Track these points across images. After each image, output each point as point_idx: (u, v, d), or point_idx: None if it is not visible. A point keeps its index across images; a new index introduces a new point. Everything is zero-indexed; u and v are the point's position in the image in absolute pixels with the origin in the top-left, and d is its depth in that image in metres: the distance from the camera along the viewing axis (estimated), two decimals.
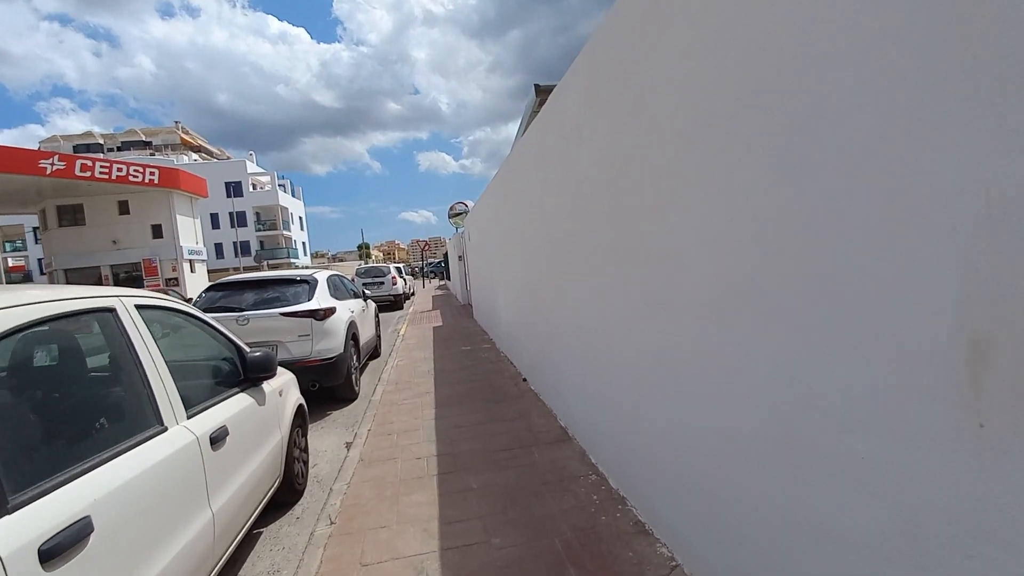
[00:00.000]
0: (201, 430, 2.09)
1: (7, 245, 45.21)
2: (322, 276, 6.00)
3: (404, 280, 20.30)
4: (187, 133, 73.87)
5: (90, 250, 26.75)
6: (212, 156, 70.98)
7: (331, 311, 5.44)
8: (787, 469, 1.53)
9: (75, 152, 50.03)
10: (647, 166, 2.22)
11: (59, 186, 24.53)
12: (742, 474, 1.76)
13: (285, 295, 5.39)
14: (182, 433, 1.97)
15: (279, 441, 3.00)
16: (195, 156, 61.03)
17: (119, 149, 65.33)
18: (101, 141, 69.17)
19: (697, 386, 2.00)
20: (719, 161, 1.70)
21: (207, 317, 2.69)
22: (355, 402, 5.72)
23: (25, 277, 49.71)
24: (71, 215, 26.92)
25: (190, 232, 28.98)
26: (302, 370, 5.06)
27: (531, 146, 4.41)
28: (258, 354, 2.79)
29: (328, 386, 5.34)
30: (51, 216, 26.85)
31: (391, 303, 17.20)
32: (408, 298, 22.02)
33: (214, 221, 49.51)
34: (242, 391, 2.67)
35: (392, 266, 17.79)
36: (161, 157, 54.44)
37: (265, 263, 50.71)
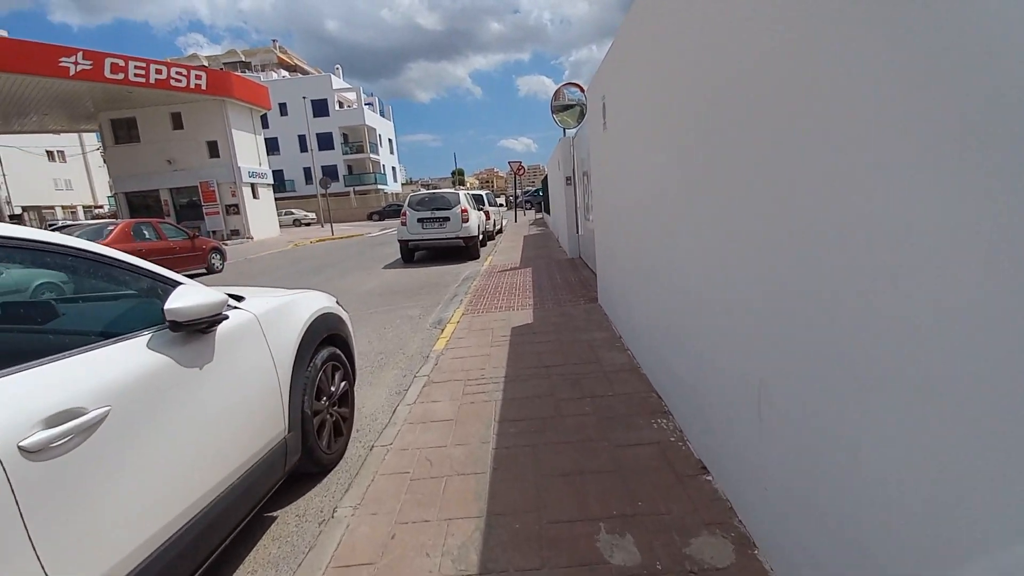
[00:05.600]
0: None
1: None
2: None
3: (484, 213, 14.30)
4: (284, 53, 71.67)
5: (147, 171, 23.76)
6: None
7: None
8: None
9: None
10: None
11: (110, 95, 21.23)
12: None
13: None
14: None
15: None
16: (285, 74, 58.06)
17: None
18: (206, 63, 69.07)
19: None
20: None
21: None
22: None
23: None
24: (125, 130, 23.87)
25: (251, 150, 25.03)
26: None
27: None
28: None
29: None
30: (107, 132, 24.00)
31: (461, 249, 11.38)
32: (492, 238, 16.15)
33: (302, 143, 46.52)
34: None
35: (463, 193, 11.79)
36: (251, 74, 51.85)
37: (352, 191, 47.46)
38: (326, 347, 2.78)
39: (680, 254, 2.43)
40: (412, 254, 11.60)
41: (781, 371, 1.51)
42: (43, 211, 29.17)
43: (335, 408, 2.83)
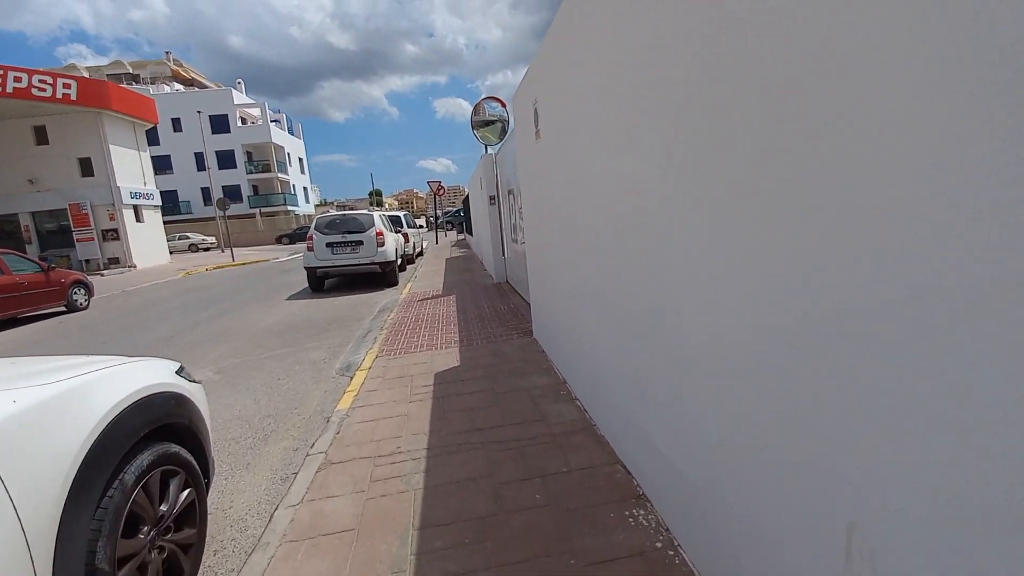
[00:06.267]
0: None
1: None
2: None
3: (402, 235, 13.33)
4: (179, 65, 66.55)
5: (3, 192, 20.28)
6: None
7: None
8: None
9: None
10: None
11: None
12: None
13: None
14: None
15: None
16: (180, 87, 53.54)
17: None
18: (86, 74, 62.32)
19: None
20: None
21: None
22: None
23: None
24: None
25: (134, 168, 22.21)
26: None
27: None
28: None
29: None
30: None
31: (378, 275, 10.35)
32: (412, 261, 15.19)
33: (199, 162, 42.60)
34: None
35: (377, 215, 10.74)
36: (139, 87, 47.18)
37: (259, 212, 44.15)
38: (152, 448, 1.84)
39: (667, 280, 1.79)
40: (321, 282, 10.39)
41: (896, 515, 0.86)
42: None
43: (170, 536, 1.88)
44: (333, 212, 10.96)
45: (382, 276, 10.37)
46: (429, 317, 6.58)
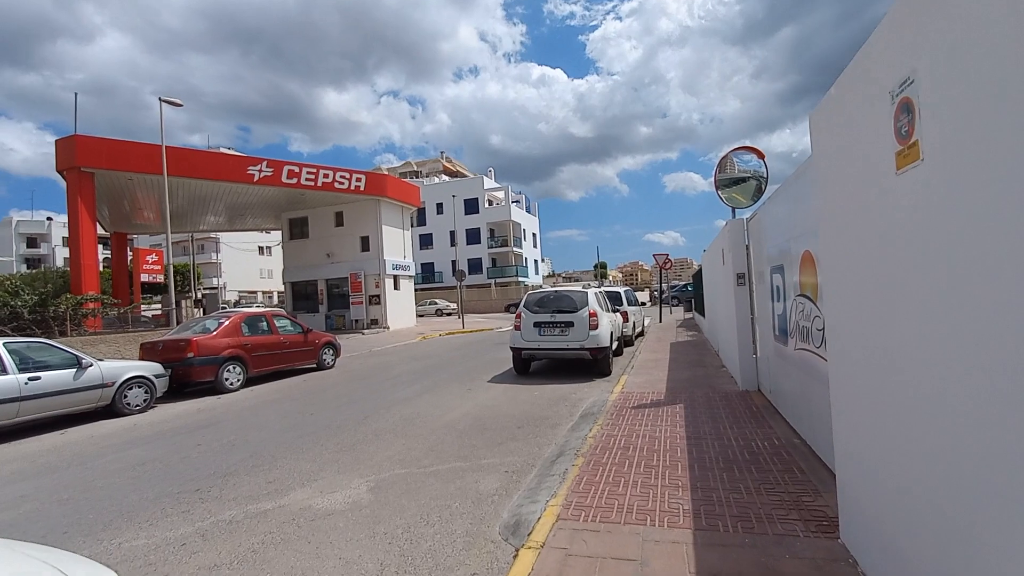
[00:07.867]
0: None
1: None
2: None
3: (621, 314, 11.66)
4: (449, 161, 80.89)
5: (310, 263, 25.92)
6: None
7: None
8: None
9: None
10: None
11: (291, 198, 23.90)
12: None
13: None
14: None
15: None
16: (446, 178, 64.08)
17: None
18: (386, 172, 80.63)
19: None
20: None
21: None
22: None
23: None
24: (300, 228, 26.63)
25: (397, 244, 26.03)
26: None
27: None
28: None
29: None
30: (285, 230, 27.05)
31: (589, 363, 8.82)
32: (631, 343, 13.32)
33: (452, 238, 49.33)
34: None
35: (592, 292, 9.30)
36: (417, 180, 58.00)
37: (494, 282, 48.24)
38: None
39: None
40: (527, 365, 9.35)
41: None
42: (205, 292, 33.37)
43: None
44: (545, 288, 10.00)
45: (593, 363, 8.80)
46: (645, 444, 4.64)
